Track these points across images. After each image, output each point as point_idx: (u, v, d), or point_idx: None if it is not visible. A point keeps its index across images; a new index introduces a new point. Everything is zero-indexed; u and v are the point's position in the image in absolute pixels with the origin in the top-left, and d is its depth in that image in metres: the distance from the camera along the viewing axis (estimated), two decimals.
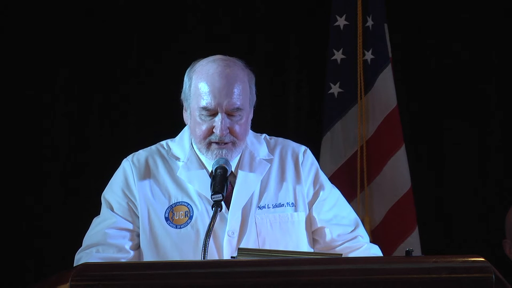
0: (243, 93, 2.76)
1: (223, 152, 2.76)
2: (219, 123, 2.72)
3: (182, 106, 2.88)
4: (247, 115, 2.80)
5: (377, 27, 4.57)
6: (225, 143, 2.75)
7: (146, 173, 2.85)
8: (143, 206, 2.81)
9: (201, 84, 2.75)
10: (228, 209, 2.78)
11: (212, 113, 2.74)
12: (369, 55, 4.59)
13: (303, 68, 4.77)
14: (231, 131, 2.75)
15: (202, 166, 2.84)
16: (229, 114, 2.74)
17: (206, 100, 2.73)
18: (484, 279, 2.01)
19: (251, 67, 2.86)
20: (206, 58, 2.82)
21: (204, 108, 2.74)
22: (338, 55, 4.61)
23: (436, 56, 4.70)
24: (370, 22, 4.59)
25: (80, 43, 4.70)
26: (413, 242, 4.40)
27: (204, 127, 2.75)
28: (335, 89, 4.61)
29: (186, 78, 2.83)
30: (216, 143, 2.76)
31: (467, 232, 4.62)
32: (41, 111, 4.69)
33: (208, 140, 2.76)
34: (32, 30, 4.68)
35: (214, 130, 2.74)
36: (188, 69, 2.84)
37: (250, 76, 2.82)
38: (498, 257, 3.85)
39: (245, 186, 2.82)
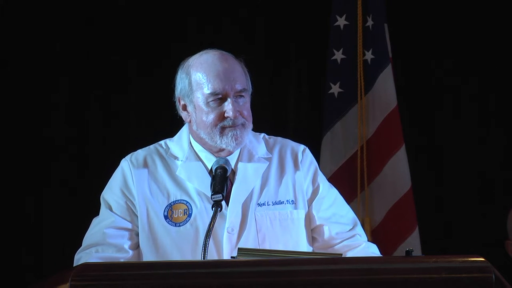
0: (243, 76, 2.82)
1: (237, 134, 2.77)
2: (231, 106, 2.75)
3: (177, 108, 2.88)
4: (249, 100, 2.84)
5: (377, 27, 4.57)
6: (237, 125, 2.77)
7: (145, 172, 2.85)
8: (142, 205, 2.81)
9: (202, 74, 2.78)
10: (228, 206, 2.78)
11: (220, 98, 2.76)
12: (369, 55, 4.59)
13: (303, 68, 4.78)
14: (241, 114, 2.78)
15: (202, 164, 2.84)
16: (236, 96, 2.77)
17: (213, 85, 2.75)
18: (484, 279, 2.01)
19: (249, 65, 2.87)
20: (195, 54, 2.85)
21: (212, 94, 2.75)
22: (338, 55, 4.61)
23: (436, 55, 4.70)
24: (370, 22, 4.59)
25: (80, 46, 4.70)
26: (413, 242, 4.40)
27: (213, 114, 2.77)
28: (335, 89, 4.61)
29: (182, 75, 2.84)
30: (229, 126, 2.77)
31: (467, 232, 4.62)
32: (40, 111, 4.70)
33: (220, 126, 2.77)
34: (33, 31, 4.69)
35: (226, 115, 2.75)
36: (181, 67, 2.86)
37: (242, 65, 2.86)
38: (498, 257, 3.85)
39: (244, 183, 2.82)
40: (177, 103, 2.89)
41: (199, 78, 2.78)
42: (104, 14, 4.72)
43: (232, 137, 2.77)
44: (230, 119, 2.76)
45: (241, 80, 2.78)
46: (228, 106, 2.75)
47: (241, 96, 2.78)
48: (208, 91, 2.76)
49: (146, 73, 4.74)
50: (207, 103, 2.77)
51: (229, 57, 2.82)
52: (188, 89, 2.82)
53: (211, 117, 2.77)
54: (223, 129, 2.77)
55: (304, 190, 2.88)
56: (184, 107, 2.86)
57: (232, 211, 2.78)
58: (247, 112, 2.79)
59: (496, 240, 4.16)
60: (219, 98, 2.76)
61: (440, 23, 4.70)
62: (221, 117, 2.77)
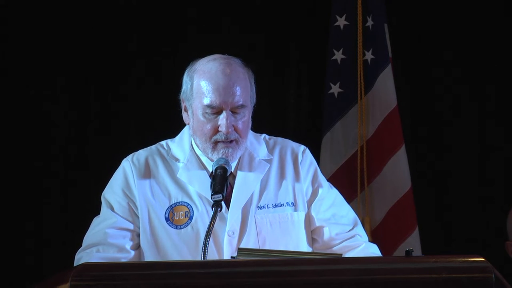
0: (246, 91, 2.78)
1: (229, 152, 2.76)
2: (225, 120, 2.73)
3: (181, 106, 2.89)
4: (249, 113, 2.82)
5: (377, 27, 4.57)
6: (230, 141, 2.76)
7: (146, 173, 2.85)
8: (143, 206, 2.81)
9: (204, 82, 2.76)
10: (228, 209, 2.78)
11: (217, 111, 2.75)
12: (369, 55, 4.59)
13: (303, 68, 4.77)
14: (235, 129, 2.76)
15: (202, 167, 2.84)
16: (233, 111, 2.75)
17: (210, 98, 2.74)
18: (484, 279, 2.01)
19: (250, 65, 2.86)
20: (205, 58, 2.83)
21: (209, 106, 2.74)
22: (338, 55, 4.61)
23: (437, 55, 4.70)
24: (370, 22, 4.59)
25: (79, 45, 4.70)
26: (413, 242, 4.40)
27: (209, 126, 2.76)
28: (335, 89, 4.61)
29: (186, 78, 2.83)
30: (222, 142, 2.76)
31: (467, 232, 4.62)
32: (40, 112, 4.69)
33: (214, 140, 2.77)
34: (31, 33, 4.69)
35: (219, 129, 2.75)
36: (188, 69, 2.84)
37: (249, 74, 2.83)
38: (498, 257, 3.85)
39: (244, 186, 2.82)
40: (180, 101, 2.89)
41: (200, 87, 2.77)
42: (105, 13, 4.72)
43: (223, 154, 2.77)
44: (223, 134, 2.75)
45: (243, 95, 2.75)
46: (222, 120, 2.74)
47: (239, 111, 2.76)
48: (205, 103, 2.75)
49: (147, 73, 4.74)
50: (204, 114, 2.76)
51: (235, 68, 2.78)
52: (189, 93, 2.81)
53: (206, 128, 2.76)
54: (215, 143, 2.77)
55: (304, 192, 2.87)
56: (186, 109, 2.86)
57: (232, 215, 2.78)
58: (242, 126, 2.77)
59: (496, 240, 4.16)
60: (215, 111, 2.75)
61: (440, 23, 4.69)
62: (215, 130, 2.76)
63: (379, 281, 2.04)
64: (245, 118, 2.78)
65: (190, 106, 2.82)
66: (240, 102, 2.75)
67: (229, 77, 2.75)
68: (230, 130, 2.74)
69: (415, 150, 4.66)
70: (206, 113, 2.75)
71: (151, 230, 2.80)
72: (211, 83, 2.74)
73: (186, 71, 2.84)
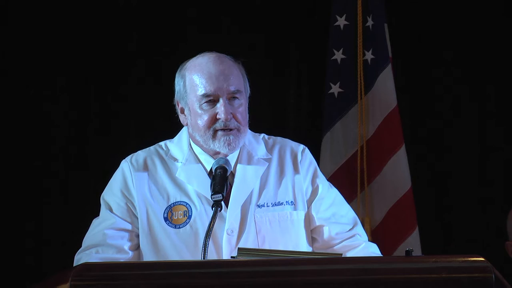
0: (239, 78, 2.80)
1: (230, 139, 2.76)
2: (222, 107, 2.74)
3: (176, 110, 2.89)
4: (245, 103, 2.82)
5: (377, 27, 4.57)
6: (230, 129, 2.76)
7: (145, 173, 2.85)
8: (141, 206, 2.81)
9: (196, 76, 2.77)
10: (227, 208, 2.78)
11: (213, 100, 2.75)
12: (369, 55, 4.59)
13: (303, 68, 4.78)
14: (234, 117, 2.76)
15: (201, 166, 2.84)
16: (230, 98, 2.76)
17: (205, 87, 2.75)
18: (484, 279, 2.01)
19: (249, 65, 2.88)
20: (194, 57, 2.85)
21: (205, 95, 2.75)
22: (338, 55, 4.61)
23: (436, 55, 4.70)
24: (370, 22, 4.59)
25: (79, 45, 4.70)
26: (413, 242, 4.40)
27: (206, 116, 2.76)
28: (335, 89, 4.61)
29: (178, 79, 2.85)
30: (222, 130, 2.76)
31: (467, 232, 4.62)
32: (40, 112, 4.69)
33: (213, 129, 2.77)
34: (31, 33, 4.69)
35: (218, 117, 2.75)
36: (178, 70, 2.86)
37: (240, 67, 2.85)
38: (498, 257, 3.85)
39: (243, 184, 2.82)
40: (176, 105, 2.89)
41: (193, 81, 2.78)
42: (105, 13, 4.72)
43: (224, 142, 2.77)
44: (222, 121, 2.75)
45: (236, 81, 2.77)
46: (220, 108, 2.74)
47: (235, 98, 2.77)
48: (200, 93, 2.76)
49: (147, 73, 4.74)
50: (200, 106, 2.77)
51: (225, 60, 2.80)
52: (183, 91, 2.82)
53: (204, 119, 2.76)
54: (215, 132, 2.77)
55: (303, 191, 2.87)
56: (182, 110, 2.87)
57: (231, 213, 2.78)
58: (241, 115, 2.78)
59: (496, 240, 4.16)
60: (212, 100, 2.75)
61: (440, 23, 4.70)
62: (213, 119, 2.76)
63: (379, 281, 2.04)
64: (242, 107, 2.79)
65: (186, 104, 2.82)
66: (235, 87, 2.76)
67: (220, 66, 2.77)
68: (229, 116, 2.74)
69: (415, 150, 4.66)
70: (203, 104, 2.76)
71: (150, 230, 2.80)
72: (203, 73, 2.76)
73: (177, 73, 2.86)
